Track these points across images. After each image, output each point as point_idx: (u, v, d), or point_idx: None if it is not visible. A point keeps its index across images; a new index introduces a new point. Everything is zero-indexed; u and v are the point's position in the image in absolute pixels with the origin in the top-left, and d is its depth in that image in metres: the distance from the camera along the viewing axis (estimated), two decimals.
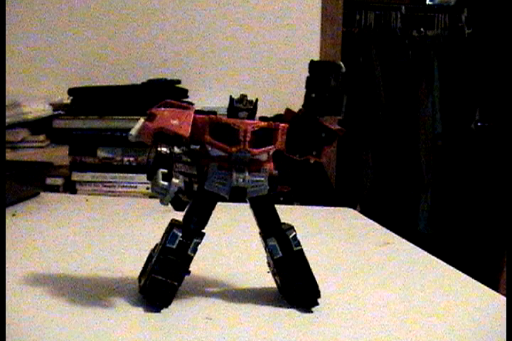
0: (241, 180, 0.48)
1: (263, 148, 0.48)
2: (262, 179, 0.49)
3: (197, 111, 0.49)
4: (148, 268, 0.50)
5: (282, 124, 0.49)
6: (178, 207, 0.47)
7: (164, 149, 0.46)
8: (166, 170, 0.45)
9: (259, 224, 0.51)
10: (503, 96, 2.32)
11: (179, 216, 0.51)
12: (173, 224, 0.50)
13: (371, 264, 0.68)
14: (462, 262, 0.86)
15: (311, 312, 0.49)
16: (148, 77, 1.67)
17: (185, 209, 0.49)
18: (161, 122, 0.47)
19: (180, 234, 0.48)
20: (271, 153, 0.49)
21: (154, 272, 0.48)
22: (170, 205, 0.47)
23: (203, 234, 0.50)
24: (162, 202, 0.46)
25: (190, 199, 0.47)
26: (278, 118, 0.50)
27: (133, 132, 0.48)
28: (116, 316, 0.47)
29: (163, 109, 0.48)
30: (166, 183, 0.44)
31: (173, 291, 0.49)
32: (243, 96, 0.48)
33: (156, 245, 0.51)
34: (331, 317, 0.49)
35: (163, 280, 0.48)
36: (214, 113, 0.49)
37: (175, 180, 0.45)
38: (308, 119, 0.50)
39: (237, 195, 0.48)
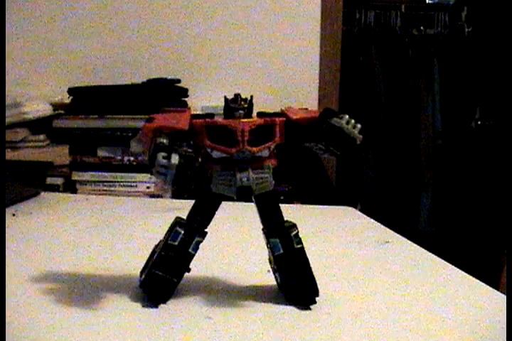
0: (245, 179, 0.47)
1: (262, 145, 0.48)
2: (266, 176, 0.49)
3: (194, 116, 0.49)
4: (150, 263, 0.51)
5: (279, 119, 0.49)
6: (181, 184, 0.46)
7: (163, 140, 0.45)
8: (165, 154, 0.44)
9: (263, 220, 0.51)
10: (503, 95, 2.32)
11: (183, 215, 0.51)
12: (178, 221, 0.50)
13: (371, 263, 0.68)
14: (462, 260, 0.86)
15: (310, 309, 0.49)
16: (148, 76, 1.67)
17: (190, 208, 0.48)
18: (159, 122, 0.47)
19: (183, 232, 0.49)
20: (272, 148, 0.49)
21: (154, 267, 0.49)
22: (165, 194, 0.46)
23: (205, 233, 0.50)
24: (165, 183, 0.45)
25: (192, 173, 0.47)
26: (276, 115, 0.50)
27: (133, 142, 0.48)
28: (114, 311, 0.47)
29: (161, 114, 0.49)
30: (165, 161, 0.44)
31: (172, 287, 0.50)
32: (237, 96, 0.48)
33: (160, 241, 0.51)
34: (330, 315, 0.49)
35: (162, 276, 0.49)
36: (212, 115, 0.49)
37: (174, 155, 0.44)
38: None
39: (243, 195, 0.48)
